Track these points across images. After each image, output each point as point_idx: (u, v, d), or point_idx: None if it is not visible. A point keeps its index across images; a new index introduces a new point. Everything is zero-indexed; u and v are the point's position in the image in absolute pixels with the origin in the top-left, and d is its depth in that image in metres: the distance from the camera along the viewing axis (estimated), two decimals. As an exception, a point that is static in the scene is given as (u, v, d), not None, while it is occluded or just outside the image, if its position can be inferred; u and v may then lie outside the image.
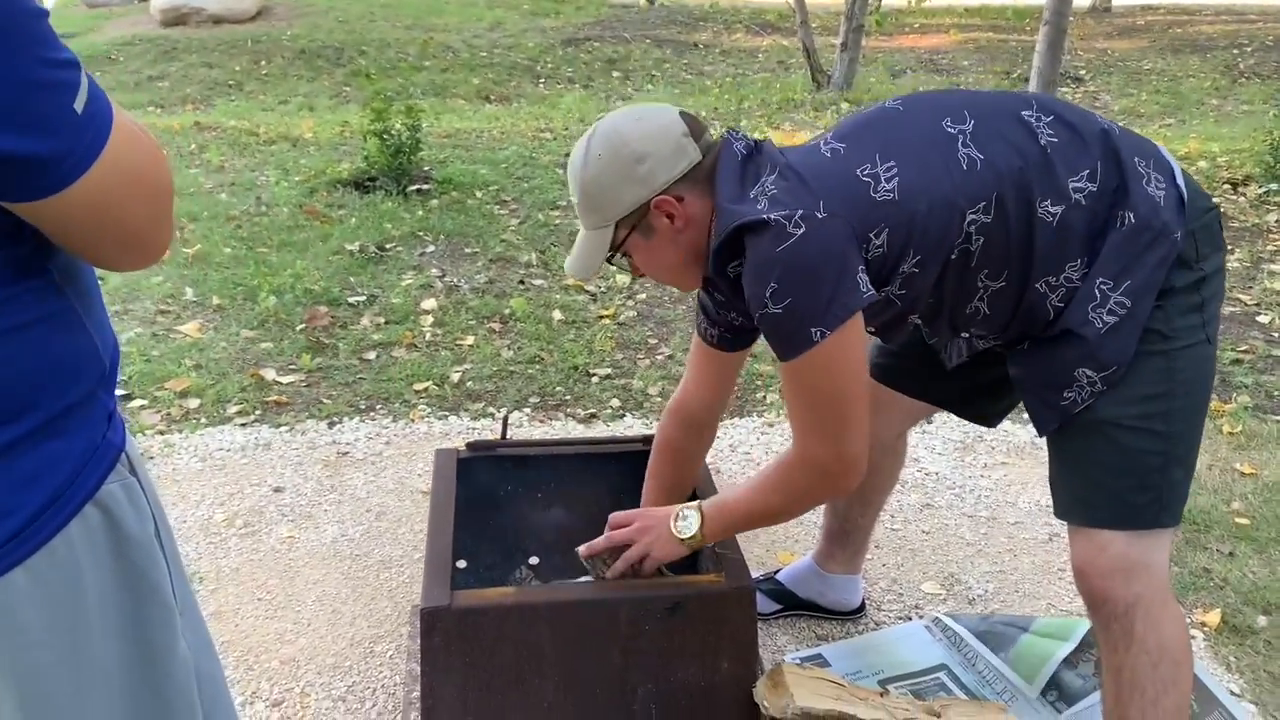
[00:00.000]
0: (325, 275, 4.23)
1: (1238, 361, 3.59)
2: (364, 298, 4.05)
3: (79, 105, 0.76)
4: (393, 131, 5.41)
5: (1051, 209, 1.43)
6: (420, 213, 5.09)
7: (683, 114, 1.53)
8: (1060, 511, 1.59)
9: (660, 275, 1.62)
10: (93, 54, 10.54)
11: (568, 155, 6.46)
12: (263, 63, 10.41)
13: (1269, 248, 4.79)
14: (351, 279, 4.24)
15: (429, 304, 3.99)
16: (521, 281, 4.31)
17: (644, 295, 4.18)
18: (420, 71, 10.17)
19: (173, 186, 0.88)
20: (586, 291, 4.20)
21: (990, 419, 1.92)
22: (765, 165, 1.47)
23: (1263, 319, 3.95)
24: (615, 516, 1.76)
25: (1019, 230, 1.44)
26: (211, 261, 4.38)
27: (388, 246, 4.65)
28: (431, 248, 4.67)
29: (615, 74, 10.69)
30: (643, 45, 11.76)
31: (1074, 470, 1.56)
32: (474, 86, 9.96)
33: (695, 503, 1.69)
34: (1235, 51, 11.26)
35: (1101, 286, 1.45)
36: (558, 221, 5.12)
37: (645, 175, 1.48)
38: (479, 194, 5.51)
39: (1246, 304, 4.12)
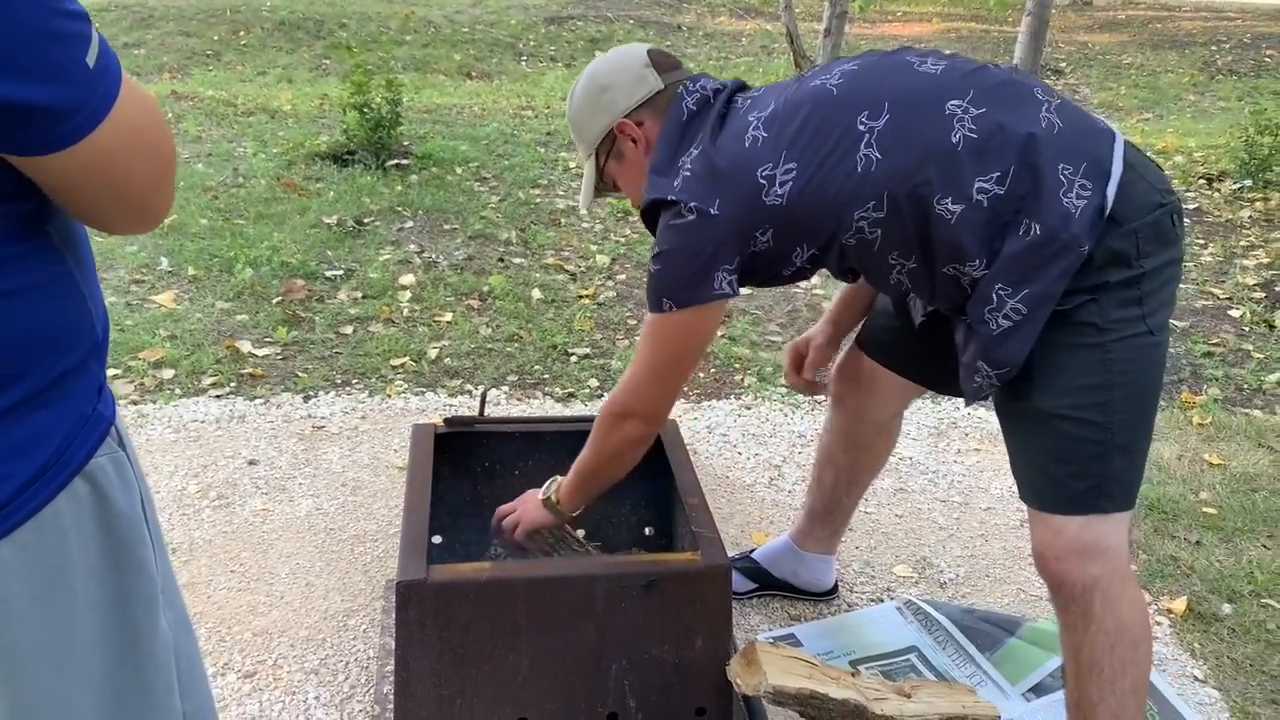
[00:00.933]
0: (302, 248, 4.19)
1: (1209, 354, 3.63)
2: (341, 272, 4.02)
3: (91, 59, 0.74)
4: (372, 105, 5.36)
5: (951, 207, 1.46)
6: (399, 188, 5.05)
7: (651, 50, 1.72)
8: (1020, 495, 1.64)
9: (632, 195, 1.76)
10: (67, 19, 10.35)
11: (549, 134, 6.46)
12: (241, 33, 10.28)
13: (1242, 243, 4.84)
14: (329, 253, 4.20)
15: (407, 279, 3.97)
16: (501, 259, 4.29)
17: (623, 276, 4.18)
18: (401, 46, 10.07)
19: (175, 151, 0.87)
20: (566, 271, 4.19)
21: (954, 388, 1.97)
22: (699, 135, 1.61)
23: (1234, 313, 4.00)
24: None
25: (915, 223, 1.50)
26: (187, 232, 4.33)
27: (366, 221, 4.61)
28: (410, 223, 4.64)
29: (598, 53, 10.61)
30: (626, 25, 11.70)
31: (1023, 456, 1.61)
32: (455, 62, 9.88)
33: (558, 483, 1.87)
34: (1213, 48, 11.34)
35: (999, 291, 1.47)
36: (538, 199, 5.10)
37: (608, 103, 1.69)
38: (459, 170, 5.48)
39: (1219, 298, 4.17)
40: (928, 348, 1.83)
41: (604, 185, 1.79)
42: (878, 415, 2.03)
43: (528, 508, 1.89)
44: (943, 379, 1.91)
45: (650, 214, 1.64)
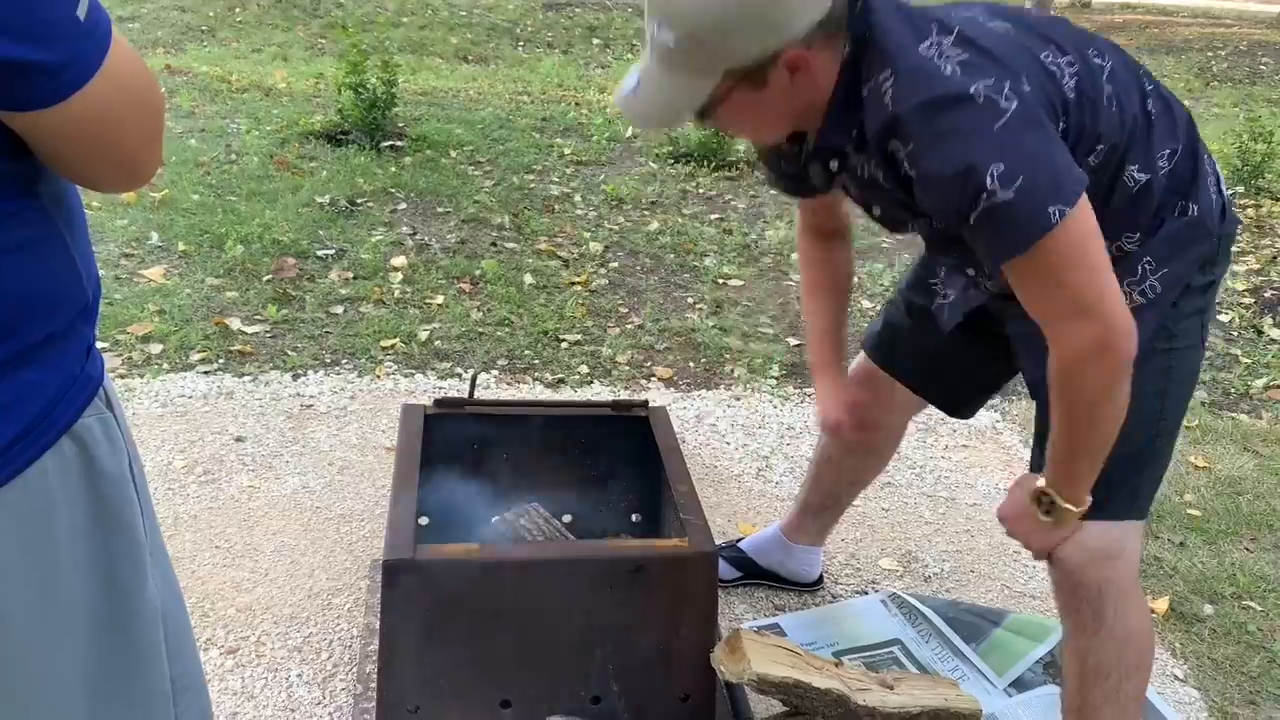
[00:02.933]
0: (294, 227, 4.17)
1: (1197, 358, 3.65)
2: (333, 251, 4.00)
3: (81, 13, 0.73)
4: (368, 86, 5.33)
5: (1137, 175, 1.40)
6: (393, 169, 5.03)
7: None
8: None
9: (747, 130, 1.46)
10: (61, -10, 10.27)
11: (545, 120, 6.44)
12: (237, 9, 10.21)
13: (1233, 249, 4.86)
14: (321, 232, 4.18)
15: (399, 261, 3.95)
16: (493, 243, 4.27)
17: (616, 264, 4.17)
18: (398, 27, 10.01)
19: (164, 107, 0.86)
20: (558, 257, 4.18)
21: (968, 410, 1.95)
22: (933, 24, 1.29)
23: (1223, 318, 4.02)
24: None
25: (1103, 186, 1.38)
26: (178, 207, 4.30)
27: (359, 201, 4.59)
28: (403, 205, 4.62)
29: (595, 40, 10.60)
30: (624, 13, 11.66)
31: None
32: (452, 46, 9.82)
33: (1038, 483, 1.49)
34: (1209, 54, 11.38)
35: (1146, 265, 1.43)
36: (532, 185, 5.08)
37: (780, 21, 1.25)
38: (453, 153, 5.45)
39: (1208, 302, 4.18)
40: (953, 361, 1.80)
41: (703, 109, 1.33)
42: (893, 423, 2.02)
43: (1029, 528, 1.53)
44: (959, 393, 1.90)
45: (908, 122, 1.25)
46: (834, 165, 1.44)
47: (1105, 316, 1.27)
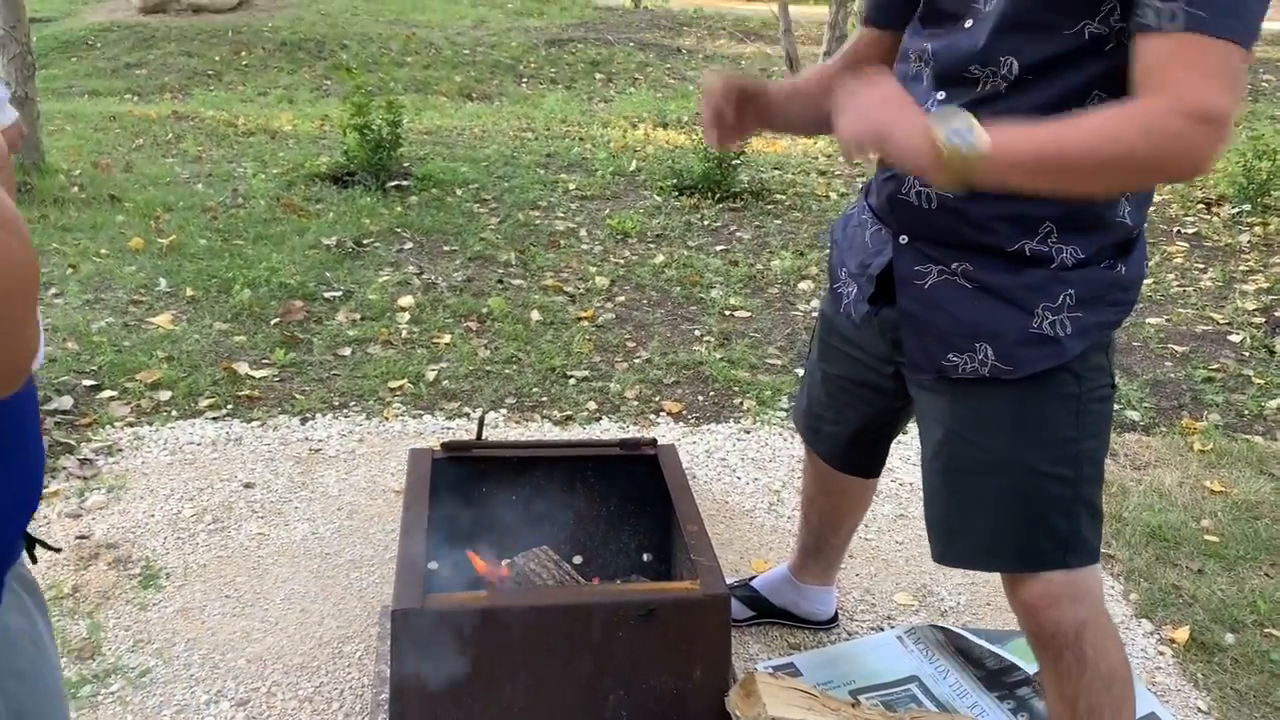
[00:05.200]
0: (301, 269, 4.19)
1: (1209, 380, 3.62)
2: (340, 293, 4.01)
3: None
4: (373, 127, 5.37)
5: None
6: (399, 209, 5.05)
7: None
8: (959, 556, 1.57)
9: None
10: (70, 40, 10.40)
11: (549, 155, 6.47)
12: (243, 53, 10.31)
13: (1241, 268, 4.84)
14: (328, 274, 4.20)
15: (406, 301, 3.96)
16: (500, 281, 4.28)
17: (623, 298, 4.17)
18: (402, 67, 10.10)
19: (37, 281, 0.64)
20: (565, 293, 4.18)
21: (873, 470, 1.96)
22: None
23: (1234, 338, 3.99)
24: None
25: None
26: (186, 252, 4.33)
27: (365, 242, 4.61)
28: (409, 244, 4.63)
29: (598, 76, 10.67)
30: (626, 48, 11.74)
31: (982, 512, 1.51)
32: (456, 84, 9.91)
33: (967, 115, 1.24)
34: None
35: (1067, 296, 1.39)
36: (538, 221, 5.10)
37: None
38: (459, 192, 5.48)
39: (1218, 323, 4.16)
40: (862, 433, 1.83)
41: None
42: (847, 484, 2.00)
43: (905, 118, 1.24)
44: (870, 460, 1.94)
45: None
46: None
47: (1227, 120, 1.17)
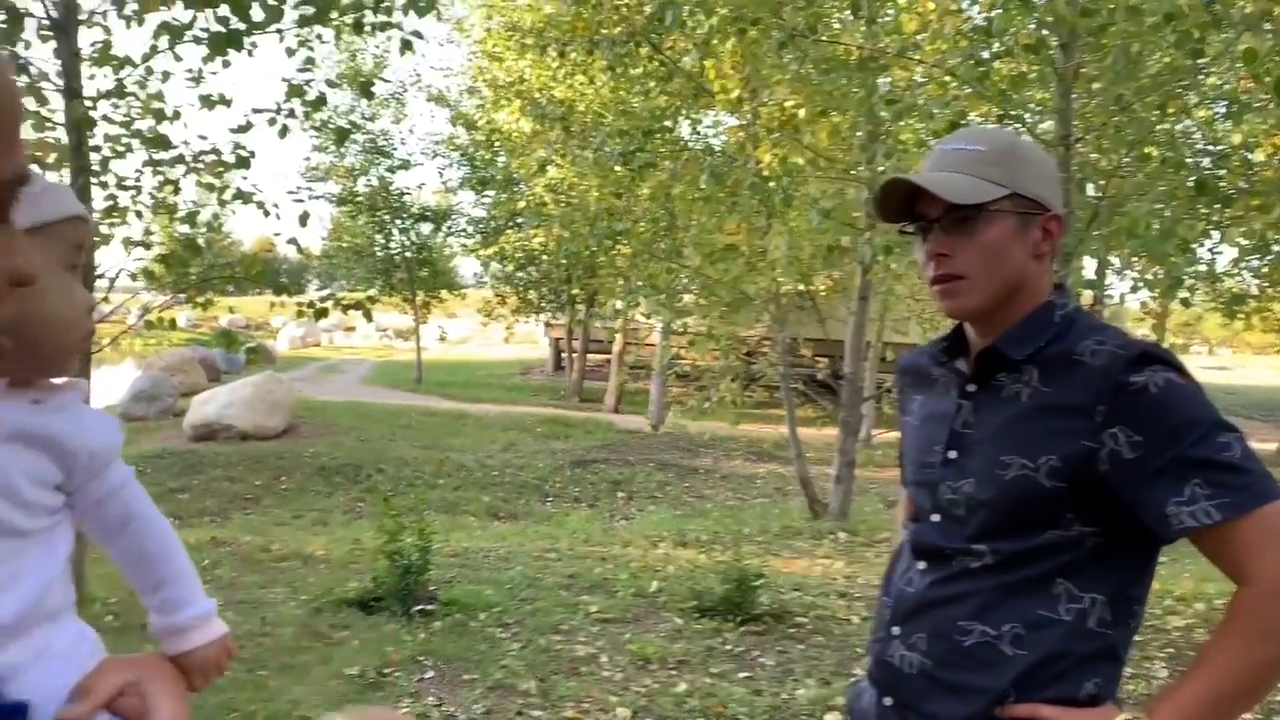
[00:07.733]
0: (321, 701, 4.18)
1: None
2: (359, 727, 3.97)
3: None
4: (403, 552, 5.58)
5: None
6: (422, 635, 5.11)
7: None
8: None
9: (978, 269, 1.48)
10: (122, 466, 11.04)
11: (571, 576, 6.61)
12: (283, 477, 10.88)
13: None
14: (348, 705, 4.18)
15: (425, 735, 3.91)
16: (519, 713, 4.23)
17: (644, 730, 4.09)
18: (434, 489, 10.59)
19: None
20: (585, 725, 4.12)
21: None
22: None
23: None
24: None
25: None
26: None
27: (386, 671, 4.62)
28: (431, 673, 4.64)
29: (620, 494, 11.11)
30: (646, 468, 12.31)
31: None
32: (484, 504, 10.32)
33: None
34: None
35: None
36: (559, 646, 5.12)
37: (1056, 190, 1.52)
38: (482, 616, 5.55)
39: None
40: None
41: (986, 206, 1.45)
42: None
43: None
44: None
45: (1135, 361, 1.37)
46: (971, 389, 1.52)
47: None
